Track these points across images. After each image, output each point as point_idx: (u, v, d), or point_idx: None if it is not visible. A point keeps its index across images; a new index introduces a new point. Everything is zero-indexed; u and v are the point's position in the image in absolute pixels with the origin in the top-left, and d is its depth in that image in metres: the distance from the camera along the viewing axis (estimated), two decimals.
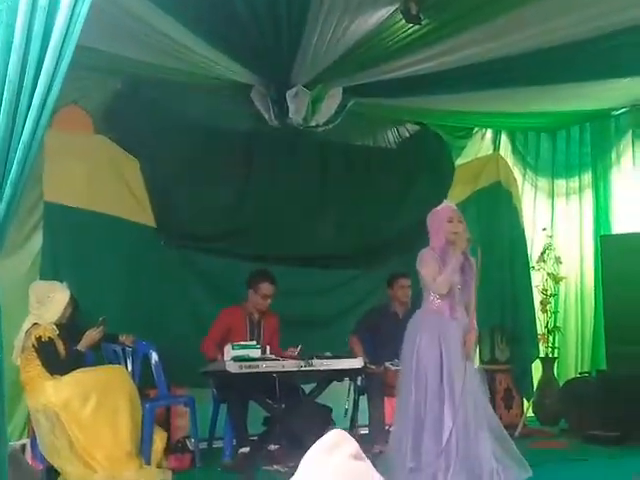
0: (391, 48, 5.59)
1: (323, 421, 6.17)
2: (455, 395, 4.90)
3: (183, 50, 5.40)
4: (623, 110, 7.73)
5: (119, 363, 5.61)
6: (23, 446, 5.16)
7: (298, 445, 5.89)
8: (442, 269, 5.03)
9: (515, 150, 8.42)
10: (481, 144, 8.31)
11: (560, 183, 8.41)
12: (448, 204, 5.32)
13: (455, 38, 5.44)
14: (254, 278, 6.01)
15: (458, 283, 5.10)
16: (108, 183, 6.06)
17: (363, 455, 0.98)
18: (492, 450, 4.97)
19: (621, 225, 7.72)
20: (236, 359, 5.46)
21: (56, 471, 4.98)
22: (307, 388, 6.01)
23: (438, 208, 5.26)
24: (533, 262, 7.96)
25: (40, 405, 5.06)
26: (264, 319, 6.10)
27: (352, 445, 0.99)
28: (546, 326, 7.82)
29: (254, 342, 5.82)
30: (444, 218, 5.12)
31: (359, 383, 6.27)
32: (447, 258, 5.07)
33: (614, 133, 7.92)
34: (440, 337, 5.02)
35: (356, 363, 5.91)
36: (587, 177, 8.22)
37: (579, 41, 5.55)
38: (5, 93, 2.46)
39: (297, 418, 5.75)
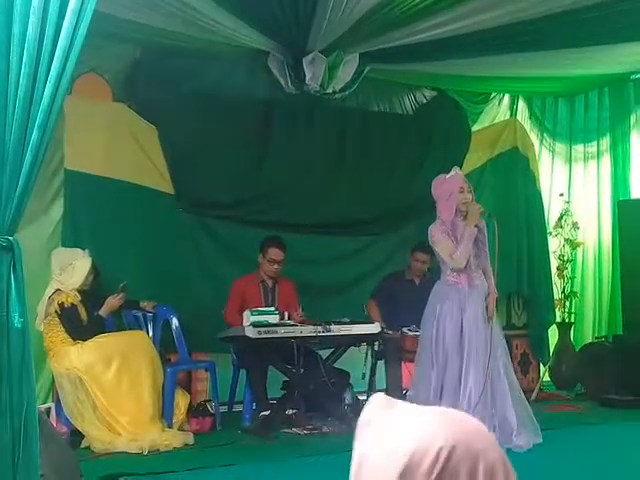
0: (407, 13, 5.54)
1: (341, 385, 6.26)
2: (471, 366, 4.96)
3: (200, 17, 5.39)
4: None
5: (140, 328, 5.70)
6: (48, 409, 5.26)
7: (316, 409, 6.00)
8: (455, 243, 5.08)
9: (532, 115, 8.36)
10: (498, 109, 8.25)
11: (578, 148, 8.35)
12: (458, 173, 5.28)
13: (471, 2, 5.39)
14: (263, 244, 6.08)
15: (473, 252, 5.15)
16: (127, 151, 6.10)
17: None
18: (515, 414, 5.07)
19: (639, 190, 7.67)
20: (255, 324, 5.54)
21: (80, 434, 5.09)
22: (325, 353, 6.08)
23: (447, 176, 5.22)
24: (550, 228, 7.94)
25: (64, 369, 5.16)
26: (278, 285, 6.16)
27: (403, 403, 1.01)
28: (563, 291, 7.82)
29: (272, 308, 5.90)
30: (455, 187, 5.11)
31: (376, 348, 6.33)
32: (457, 230, 5.10)
33: (633, 97, 7.83)
34: (461, 308, 5.08)
35: (373, 328, 5.98)
36: (605, 142, 8.16)
37: (597, 4, 5.48)
38: (25, 57, 2.48)
39: (315, 383, 5.83)
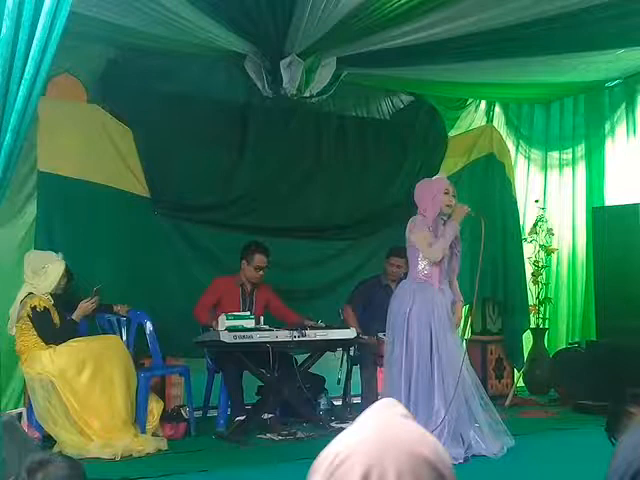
0: (384, 18, 5.55)
1: (316, 390, 6.24)
2: (444, 369, 4.97)
3: (177, 19, 5.35)
4: (617, 82, 7.71)
5: (114, 333, 5.64)
6: (20, 414, 5.19)
7: (291, 414, 5.97)
8: (434, 237, 5.07)
9: (509, 121, 8.41)
10: (475, 115, 8.28)
11: (553, 155, 8.40)
12: (443, 176, 5.35)
13: (448, 8, 5.41)
14: (248, 250, 6.03)
15: (447, 254, 5.15)
16: (102, 153, 6.04)
17: (412, 417, 1.09)
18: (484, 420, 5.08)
19: (614, 197, 7.73)
20: (230, 329, 5.50)
21: (52, 439, 5.03)
22: (301, 358, 6.06)
23: (432, 179, 5.29)
24: (525, 234, 7.99)
25: (36, 374, 5.10)
26: (256, 290, 6.13)
27: (402, 407, 1.09)
28: (537, 297, 7.86)
29: (248, 313, 5.86)
30: (440, 189, 5.12)
31: (352, 353, 6.33)
32: (438, 230, 5.10)
33: (608, 105, 7.90)
34: (431, 308, 5.05)
35: (349, 334, 5.96)
36: (580, 149, 8.22)
37: (574, 11, 5.52)
38: None
39: (290, 387, 5.81)
